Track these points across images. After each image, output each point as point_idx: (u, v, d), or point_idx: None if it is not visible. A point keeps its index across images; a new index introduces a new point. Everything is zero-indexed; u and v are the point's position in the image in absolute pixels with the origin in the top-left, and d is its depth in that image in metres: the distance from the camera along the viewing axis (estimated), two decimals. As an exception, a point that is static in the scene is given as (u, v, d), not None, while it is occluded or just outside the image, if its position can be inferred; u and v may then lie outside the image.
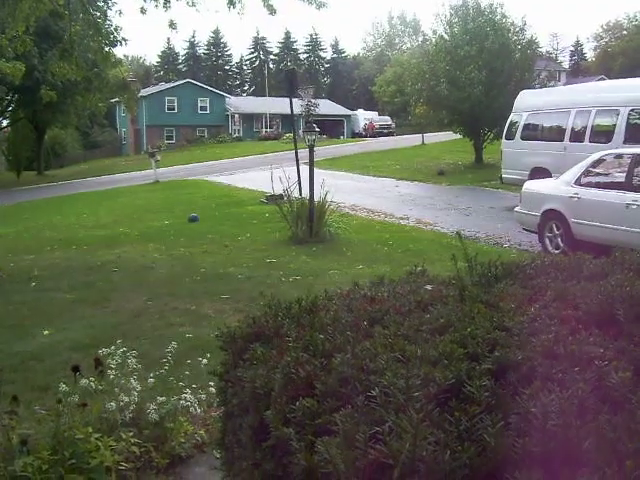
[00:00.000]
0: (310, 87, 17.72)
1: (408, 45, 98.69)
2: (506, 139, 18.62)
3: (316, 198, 13.06)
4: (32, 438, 3.77)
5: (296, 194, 13.88)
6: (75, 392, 4.00)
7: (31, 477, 3.44)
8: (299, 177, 14.43)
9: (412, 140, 44.31)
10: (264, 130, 66.35)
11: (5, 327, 7.82)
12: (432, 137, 42.60)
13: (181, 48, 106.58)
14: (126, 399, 4.07)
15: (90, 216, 20.29)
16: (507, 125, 18.71)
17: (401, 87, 53.04)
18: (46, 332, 7.38)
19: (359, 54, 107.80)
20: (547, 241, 11.09)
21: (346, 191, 19.10)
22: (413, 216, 16.27)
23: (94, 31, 13.82)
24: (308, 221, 12.96)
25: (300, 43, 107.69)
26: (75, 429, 3.72)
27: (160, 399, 4.27)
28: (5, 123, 50.85)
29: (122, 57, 27.54)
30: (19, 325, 7.89)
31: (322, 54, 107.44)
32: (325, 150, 37.80)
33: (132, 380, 4.22)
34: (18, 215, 22.94)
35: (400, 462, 1.51)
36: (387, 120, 69.50)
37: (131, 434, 3.88)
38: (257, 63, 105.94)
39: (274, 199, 14.42)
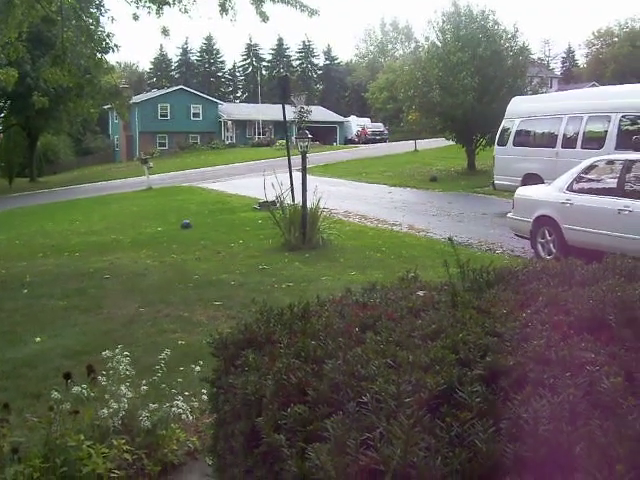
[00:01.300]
0: (303, 94, 17.78)
1: (401, 52, 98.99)
2: (498, 145, 18.66)
3: (309, 204, 13.05)
4: (23, 446, 3.76)
5: (289, 201, 13.87)
6: (67, 399, 3.98)
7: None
8: (292, 183, 14.42)
9: (405, 146, 44.39)
10: (257, 137, 66.40)
11: (-3, 334, 7.79)
12: (425, 143, 42.68)
13: (174, 55, 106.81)
14: (116, 406, 4.05)
15: (83, 223, 20.22)
16: (499, 131, 18.75)
17: (394, 94, 53.01)
18: (38, 339, 7.34)
19: (352, 61, 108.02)
20: (539, 247, 11.11)
21: (339, 197, 19.09)
22: (406, 222, 16.26)
23: (86, 37, 13.81)
24: (301, 228, 12.94)
25: (293, 50, 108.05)
26: (67, 436, 3.71)
27: (152, 406, 4.25)
28: (-3, 130, 50.81)
29: (114, 64, 27.45)
30: (11, 332, 7.85)
31: (315, 61, 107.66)
32: (318, 156, 37.84)
33: (123, 387, 4.19)
34: (10, 222, 22.86)
35: (391, 468, 1.51)
36: (380, 127, 69.67)
37: (123, 441, 3.87)
38: (250, 70, 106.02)
39: (267, 206, 14.41)
